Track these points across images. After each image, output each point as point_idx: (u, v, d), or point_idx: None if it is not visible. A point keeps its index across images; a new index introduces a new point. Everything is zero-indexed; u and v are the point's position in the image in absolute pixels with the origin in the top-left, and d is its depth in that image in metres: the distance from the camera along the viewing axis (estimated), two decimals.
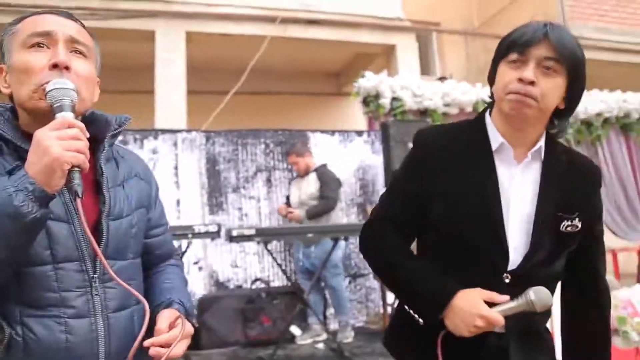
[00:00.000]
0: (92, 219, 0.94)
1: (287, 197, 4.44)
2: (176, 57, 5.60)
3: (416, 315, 1.10)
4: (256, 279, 4.44)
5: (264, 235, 3.44)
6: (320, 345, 3.96)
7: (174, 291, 1.08)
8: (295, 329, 4.08)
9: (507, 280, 1.07)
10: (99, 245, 0.91)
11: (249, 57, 5.71)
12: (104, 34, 5.66)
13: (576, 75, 1.07)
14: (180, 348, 0.94)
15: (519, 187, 1.10)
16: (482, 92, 5.84)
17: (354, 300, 4.64)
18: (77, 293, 0.91)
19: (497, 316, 1.00)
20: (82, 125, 0.87)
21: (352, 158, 4.90)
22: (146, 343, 0.91)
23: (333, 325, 4.27)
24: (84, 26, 1.02)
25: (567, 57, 1.04)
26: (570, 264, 1.15)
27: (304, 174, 4.29)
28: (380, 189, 4.73)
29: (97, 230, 0.95)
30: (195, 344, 3.76)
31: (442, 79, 6.35)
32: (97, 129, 1.02)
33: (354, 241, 4.08)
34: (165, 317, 0.98)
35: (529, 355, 1.10)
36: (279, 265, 3.88)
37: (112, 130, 1.03)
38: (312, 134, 4.85)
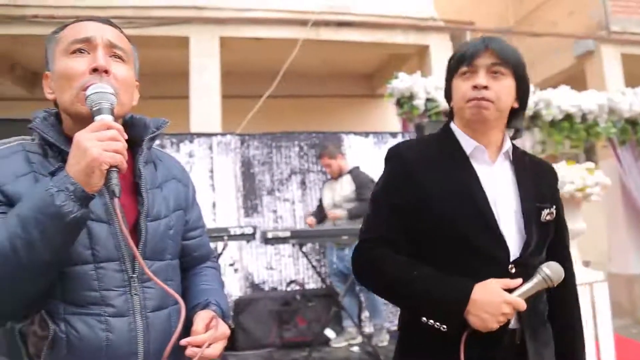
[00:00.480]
0: (131, 220, 0.97)
1: (320, 200, 4.43)
2: (210, 62, 5.69)
3: (437, 324, 1.09)
4: (291, 281, 4.45)
5: (298, 238, 3.44)
6: (355, 349, 3.93)
7: (210, 293, 1.09)
8: (329, 332, 4.06)
9: (513, 271, 1.11)
10: (137, 245, 0.93)
11: (281, 60, 5.75)
12: (140, 41, 5.76)
13: (521, 75, 1.20)
14: (216, 349, 0.95)
15: (500, 184, 1.18)
16: None
17: (389, 303, 4.58)
18: (117, 292, 0.93)
19: (519, 300, 1.05)
20: (120, 127, 0.89)
21: None
22: (183, 342, 0.92)
23: (368, 329, 4.23)
24: (122, 32, 1.04)
25: (510, 60, 1.17)
26: (548, 252, 1.23)
27: (337, 176, 4.27)
28: None
29: (135, 231, 0.97)
30: (231, 345, 3.79)
31: None
32: (136, 132, 1.04)
33: None
34: (201, 317, 0.99)
35: (542, 349, 1.15)
36: (314, 268, 3.87)
37: (150, 133, 1.05)
38: (345, 135, 4.84)
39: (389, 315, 4.51)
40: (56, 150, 0.95)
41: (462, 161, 1.19)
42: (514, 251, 1.13)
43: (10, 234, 0.79)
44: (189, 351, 0.92)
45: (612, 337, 3.94)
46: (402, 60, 7.11)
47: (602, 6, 7.25)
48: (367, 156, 4.75)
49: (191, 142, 4.46)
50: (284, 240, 3.37)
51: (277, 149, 4.64)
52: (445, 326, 1.08)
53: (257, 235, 3.65)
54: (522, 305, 1.05)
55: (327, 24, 6.06)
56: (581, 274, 3.91)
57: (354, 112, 7.99)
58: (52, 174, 0.89)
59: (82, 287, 0.90)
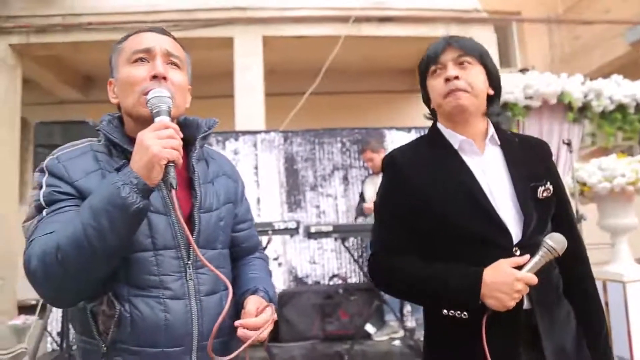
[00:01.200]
0: (185, 212, 1.06)
1: (361, 195, 4.48)
2: (253, 61, 5.83)
3: (457, 313, 1.14)
4: (334, 275, 4.52)
5: (341, 232, 3.51)
6: (397, 342, 3.96)
7: (259, 280, 1.17)
8: (369, 327, 4.10)
9: (517, 254, 1.14)
10: (191, 234, 1.02)
11: (323, 57, 5.81)
12: (186, 43, 5.98)
13: (488, 63, 1.26)
14: (265, 332, 1.02)
15: (492, 172, 1.22)
16: (567, 83, 5.50)
17: None
18: (174, 277, 1.02)
19: (530, 274, 1.09)
20: (176, 126, 0.98)
21: None
22: (237, 323, 1.00)
23: (410, 323, 4.24)
24: (176, 40, 1.14)
25: (473, 50, 1.25)
26: (553, 227, 1.24)
27: (379, 170, 4.30)
28: None
29: (190, 221, 1.06)
30: (275, 336, 3.91)
31: (523, 70, 6.05)
32: (189, 132, 1.14)
33: None
34: (253, 302, 1.07)
35: (557, 327, 1.18)
36: (357, 262, 3.92)
37: (202, 132, 1.14)
38: (388, 131, 4.85)
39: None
40: (120, 150, 1.06)
41: (453, 156, 1.24)
42: (517, 234, 1.16)
43: (84, 224, 0.90)
44: (240, 332, 1.00)
45: None
46: None
47: None
48: None
49: (236, 140, 4.61)
50: (326, 234, 3.44)
51: (319, 145, 4.72)
52: (465, 314, 1.13)
53: (301, 230, 3.74)
54: (534, 279, 1.09)
55: (368, 19, 6.07)
56: (634, 271, 3.78)
57: (395, 108, 7.96)
58: (118, 169, 1.01)
59: (143, 272, 1.00)
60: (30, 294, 4.26)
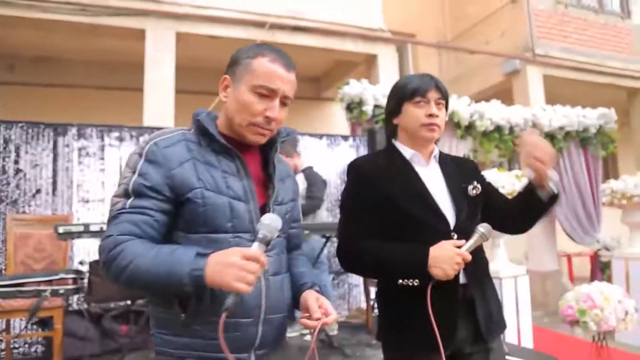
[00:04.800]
0: (261, 203, 1.20)
1: None
2: (165, 56, 5.70)
3: (409, 282, 1.44)
4: None
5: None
6: (308, 337, 4.17)
7: (309, 276, 1.33)
8: None
9: (455, 237, 1.45)
10: None
11: None
12: (95, 30, 5.72)
13: (448, 105, 1.60)
14: (332, 317, 1.17)
15: (434, 178, 1.55)
16: (457, 103, 6.22)
17: (336, 295, 4.89)
18: None
19: (466, 253, 1.39)
20: (265, 261, 1.05)
21: (338, 161, 5.15)
22: (315, 321, 1.13)
23: None
24: (294, 72, 1.24)
25: (446, 96, 1.56)
26: (492, 207, 1.62)
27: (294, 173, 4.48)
28: None
29: (263, 212, 1.18)
30: None
31: None
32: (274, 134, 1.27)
33: None
34: (313, 298, 1.20)
35: (486, 297, 1.51)
36: None
37: (282, 138, 1.29)
38: (301, 136, 5.06)
39: (337, 307, 4.82)
40: (209, 141, 1.18)
41: (405, 165, 1.55)
42: (452, 221, 1.48)
43: (148, 270, 1.04)
44: (311, 323, 1.13)
45: (531, 324, 4.49)
46: (349, 67, 7.47)
47: (529, 31, 8.04)
48: (320, 156, 5.03)
49: (150, 135, 4.49)
50: None
51: None
52: (416, 281, 1.42)
53: None
54: (469, 256, 1.39)
55: (282, 27, 6.28)
56: (508, 269, 4.44)
57: (302, 113, 8.25)
58: (199, 254, 1.05)
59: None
60: None
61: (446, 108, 1.59)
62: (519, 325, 4.37)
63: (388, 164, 1.56)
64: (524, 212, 1.59)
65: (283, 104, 1.21)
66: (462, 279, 1.45)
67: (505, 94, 8.06)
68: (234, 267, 0.99)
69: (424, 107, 1.52)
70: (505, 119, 6.48)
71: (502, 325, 1.58)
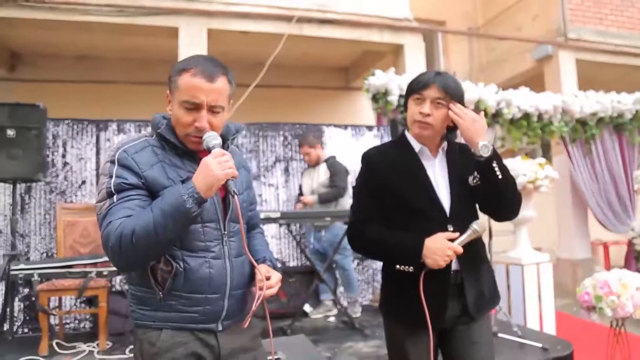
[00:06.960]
0: (222, 195, 1.38)
1: (300, 186, 4.83)
2: (198, 52, 5.94)
3: (405, 268, 1.59)
4: None
5: (287, 218, 3.84)
6: (332, 319, 4.39)
7: (263, 252, 1.52)
8: (307, 307, 4.50)
9: (451, 229, 1.57)
10: (226, 213, 1.37)
11: (265, 52, 6.07)
12: (131, 29, 6.04)
13: (462, 102, 1.63)
14: (274, 289, 1.36)
15: (438, 171, 1.66)
16: (483, 91, 6.21)
17: (361, 280, 5.07)
18: (214, 243, 1.35)
19: (458, 247, 1.53)
20: (229, 153, 1.28)
21: (363, 150, 5.26)
22: (257, 284, 1.32)
23: (343, 302, 4.68)
24: (227, 76, 1.35)
25: (451, 94, 1.60)
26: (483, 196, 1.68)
27: (314, 164, 4.64)
28: None
29: (225, 203, 1.39)
30: None
31: None
32: (222, 134, 1.42)
33: None
34: (264, 269, 1.39)
35: (479, 279, 1.64)
36: (299, 246, 4.25)
37: (232, 134, 1.46)
38: (326, 127, 5.22)
39: (362, 291, 5.00)
40: (171, 146, 1.34)
41: (413, 157, 1.66)
42: (448, 210, 1.60)
43: (155, 222, 1.18)
44: (254, 290, 1.34)
45: (554, 310, 4.53)
46: (377, 57, 7.53)
47: (561, 15, 7.86)
48: (346, 147, 5.18)
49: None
50: (274, 220, 3.76)
51: (263, 137, 4.99)
52: (411, 268, 1.57)
53: None
54: (460, 250, 1.52)
55: (310, 20, 6.42)
56: (530, 256, 4.49)
57: (330, 103, 8.40)
58: (183, 181, 1.28)
59: (194, 239, 1.31)
60: None
61: (462, 104, 1.61)
62: (541, 312, 4.43)
63: (397, 155, 1.69)
64: (484, 190, 1.61)
65: (213, 112, 1.32)
66: (454, 266, 1.59)
67: (537, 80, 7.94)
68: (215, 164, 1.24)
69: (419, 105, 1.61)
70: (534, 106, 6.43)
71: (494, 301, 1.72)
